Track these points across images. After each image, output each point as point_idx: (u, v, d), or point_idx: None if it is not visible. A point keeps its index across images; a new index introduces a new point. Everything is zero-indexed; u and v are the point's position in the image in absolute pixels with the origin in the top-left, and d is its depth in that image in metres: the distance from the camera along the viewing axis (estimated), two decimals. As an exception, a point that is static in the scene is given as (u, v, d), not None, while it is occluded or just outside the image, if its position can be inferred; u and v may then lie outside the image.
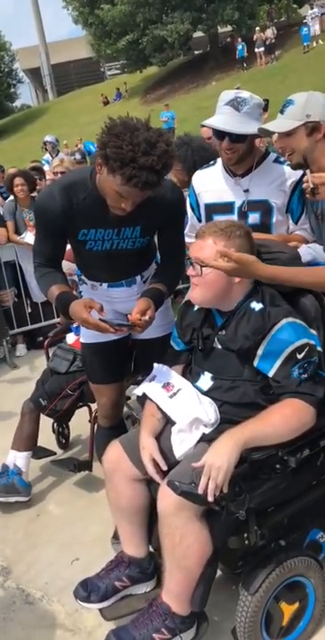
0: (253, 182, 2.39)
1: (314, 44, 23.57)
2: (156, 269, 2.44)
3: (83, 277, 2.52)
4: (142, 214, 2.11)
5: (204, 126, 2.37)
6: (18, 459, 3.10)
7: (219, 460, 1.67)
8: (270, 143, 5.68)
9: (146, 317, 2.11)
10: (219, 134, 2.34)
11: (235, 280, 1.92)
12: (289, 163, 2.27)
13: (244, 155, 2.36)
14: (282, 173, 2.39)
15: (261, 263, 1.91)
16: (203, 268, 1.90)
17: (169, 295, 2.36)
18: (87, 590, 2.05)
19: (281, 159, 2.43)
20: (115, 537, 2.31)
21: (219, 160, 2.53)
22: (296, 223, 2.41)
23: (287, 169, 2.36)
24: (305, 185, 2.01)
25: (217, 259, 1.86)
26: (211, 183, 2.52)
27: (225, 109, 2.31)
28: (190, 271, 1.96)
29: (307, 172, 2.05)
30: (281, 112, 2.19)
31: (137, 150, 1.81)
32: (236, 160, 2.37)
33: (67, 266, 3.16)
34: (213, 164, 2.59)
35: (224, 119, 2.30)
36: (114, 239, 2.21)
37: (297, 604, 1.97)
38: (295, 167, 2.22)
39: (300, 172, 2.26)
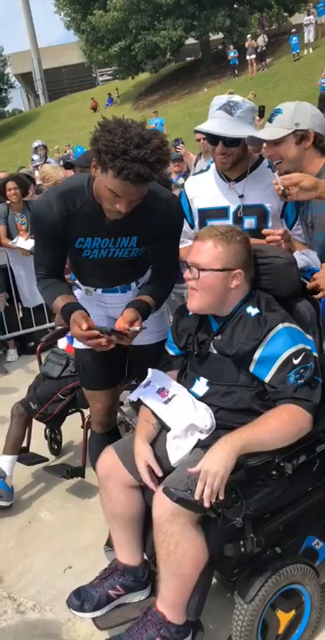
0: (248, 187, 2.38)
1: (305, 52, 23.73)
2: (149, 279, 2.41)
3: (77, 282, 2.51)
4: (139, 224, 2.11)
5: (198, 132, 2.35)
6: (2, 462, 3.07)
7: (216, 466, 1.66)
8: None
9: (137, 328, 2.08)
10: (213, 139, 2.32)
11: (232, 284, 1.90)
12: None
13: (238, 159, 2.34)
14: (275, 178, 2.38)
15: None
16: (201, 272, 1.89)
17: (156, 308, 2.32)
18: (80, 599, 2.01)
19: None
20: (109, 544, 2.29)
21: (212, 165, 2.51)
22: (290, 228, 2.40)
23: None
24: (275, 187, 2.02)
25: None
26: (205, 188, 2.49)
27: (218, 114, 2.30)
28: (187, 274, 1.94)
29: (275, 174, 2.08)
30: (270, 121, 2.22)
31: (129, 143, 1.78)
32: (230, 165, 2.35)
33: None
34: (206, 170, 2.56)
35: (217, 124, 2.28)
36: (111, 248, 2.19)
37: (293, 612, 1.96)
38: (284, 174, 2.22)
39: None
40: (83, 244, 2.16)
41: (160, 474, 1.88)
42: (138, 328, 2.07)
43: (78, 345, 2.54)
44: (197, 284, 1.91)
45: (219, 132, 2.26)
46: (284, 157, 2.18)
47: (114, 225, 2.07)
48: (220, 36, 28.32)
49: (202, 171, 2.62)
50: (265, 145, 2.29)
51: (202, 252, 1.92)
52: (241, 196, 2.38)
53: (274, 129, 2.18)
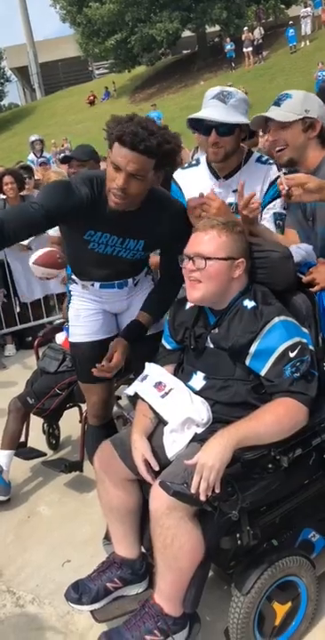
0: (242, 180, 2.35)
1: (302, 45, 23.64)
2: (153, 289, 2.46)
3: (73, 277, 2.51)
4: (148, 230, 2.18)
5: (191, 119, 2.30)
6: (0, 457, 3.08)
7: (212, 460, 1.67)
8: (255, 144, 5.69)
9: (111, 364, 2.28)
10: (206, 129, 2.27)
11: (235, 274, 1.91)
12: (274, 160, 2.27)
13: (231, 151, 2.30)
14: (264, 172, 2.37)
15: None
16: (207, 261, 1.88)
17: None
18: (78, 592, 2.03)
19: (263, 159, 2.41)
20: (107, 538, 2.30)
21: (203, 160, 2.46)
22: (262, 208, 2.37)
23: (266, 167, 2.35)
24: (280, 187, 2.00)
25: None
26: (195, 183, 2.39)
27: (211, 102, 2.27)
28: (189, 266, 1.92)
29: (281, 174, 2.06)
30: (277, 105, 2.17)
31: (133, 119, 1.98)
32: (223, 156, 2.30)
33: (45, 271, 3.15)
34: (196, 165, 2.50)
35: (210, 111, 2.25)
36: (117, 247, 2.23)
37: (289, 604, 1.97)
38: (285, 164, 2.21)
39: (276, 173, 2.26)
40: (92, 237, 2.18)
41: (156, 468, 1.89)
42: (112, 364, 2.28)
43: (74, 339, 2.56)
44: (201, 275, 1.89)
45: (213, 117, 2.22)
46: (289, 143, 2.15)
47: (125, 225, 2.12)
48: (217, 28, 28.17)
49: (191, 165, 2.54)
50: (262, 140, 2.28)
51: (205, 242, 1.91)
52: (234, 191, 2.37)
53: (283, 112, 2.14)
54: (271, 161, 2.41)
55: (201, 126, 2.33)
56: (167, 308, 2.32)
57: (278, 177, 2.13)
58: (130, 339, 2.36)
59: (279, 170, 2.28)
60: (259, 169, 2.37)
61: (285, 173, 2.06)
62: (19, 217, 2.05)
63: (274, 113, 2.16)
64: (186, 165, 2.54)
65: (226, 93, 2.26)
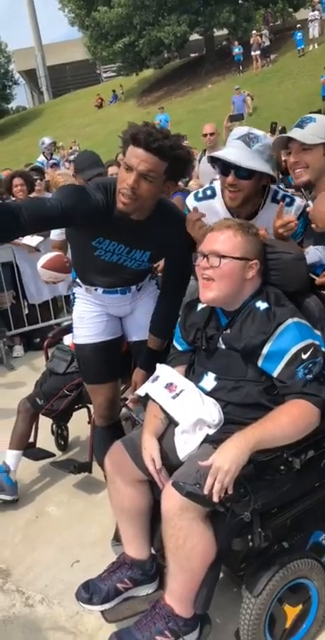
0: (259, 225, 2.15)
1: (311, 48, 23.62)
2: (157, 307, 2.47)
3: (78, 280, 2.53)
4: (155, 242, 2.21)
5: (213, 158, 2.24)
6: (8, 457, 3.09)
7: (228, 463, 1.66)
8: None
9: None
10: (225, 169, 2.16)
11: (248, 275, 1.91)
12: (294, 181, 2.27)
13: (249, 197, 2.18)
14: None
15: None
16: (222, 259, 1.88)
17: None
18: (89, 592, 2.03)
19: (278, 197, 2.26)
20: (116, 539, 2.30)
21: (218, 191, 2.30)
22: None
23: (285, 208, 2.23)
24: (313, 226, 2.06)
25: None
26: (210, 219, 2.20)
27: (235, 143, 2.17)
28: (204, 264, 1.92)
29: (309, 202, 2.09)
30: (300, 127, 2.20)
31: (148, 124, 2.06)
32: (240, 202, 2.18)
33: (53, 275, 3.19)
34: (211, 196, 2.33)
35: (232, 152, 2.14)
36: (123, 256, 2.25)
37: (300, 606, 1.96)
38: (302, 185, 2.23)
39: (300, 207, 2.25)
40: (100, 244, 2.19)
41: (158, 466, 1.89)
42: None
43: (78, 340, 2.57)
44: (215, 273, 1.89)
45: (233, 159, 2.11)
46: (310, 165, 2.17)
47: (133, 235, 2.15)
48: (225, 31, 28.21)
49: (205, 195, 2.35)
50: (284, 153, 2.30)
51: (221, 240, 1.92)
52: None
53: (308, 135, 2.16)
54: (288, 195, 2.31)
55: (220, 165, 2.20)
56: (174, 323, 2.30)
57: (305, 207, 2.15)
58: (147, 368, 2.39)
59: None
60: (276, 209, 2.16)
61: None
62: (36, 208, 2.03)
63: (298, 134, 2.18)
64: (199, 195, 2.37)
65: (253, 136, 2.15)
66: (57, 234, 3.74)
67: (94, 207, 2.06)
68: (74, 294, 2.60)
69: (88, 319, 2.53)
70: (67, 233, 2.46)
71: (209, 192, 2.34)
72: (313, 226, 2.09)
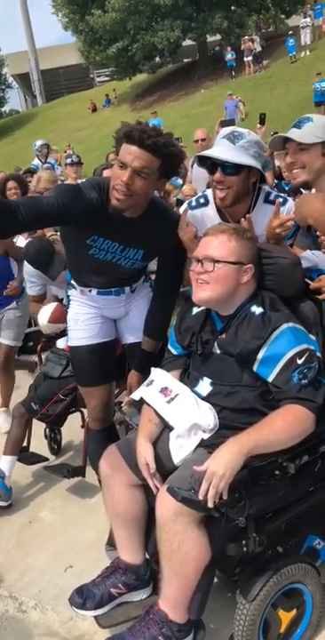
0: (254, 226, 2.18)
1: (302, 54, 23.76)
2: (151, 308, 2.48)
3: (72, 282, 2.54)
4: (148, 241, 2.22)
5: (201, 158, 2.26)
6: (2, 462, 3.07)
7: (223, 469, 1.66)
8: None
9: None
10: (212, 168, 2.19)
11: (243, 279, 1.92)
12: (289, 183, 2.27)
13: (238, 194, 2.20)
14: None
15: None
16: (216, 264, 1.89)
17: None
18: (82, 597, 2.02)
19: (271, 197, 2.29)
20: (110, 543, 2.29)
21: (211, 199, 2.33)
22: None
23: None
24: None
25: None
26: (204, 227, 2.22)
27: (220, 142, 2.23)
28: (198, 269, 1.93)
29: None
30: (298, 127, 2.20)
31: (141, 123, 2.09)
32: (231, 200, 2.19)
33: (56, 327, 3.24)
34: (204, 204, 2.36)
35: (217, 150, 2.21)
36: (117, 254, 2.25)
37: (294, 611, 1.96)
38: (299, 185, 2.23)
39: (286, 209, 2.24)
40: (94, 242, 2.20)
41: (152, 471, 1.89)
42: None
43: (73, 342, 2.58)
44: (209, 277, 1.90)
45: (215, 154, 2.16)
46: (307, 165, 2.16)
47: (127, 233, 2.16)
48: (218, 37, 28.33)
49: (199, 204, 2.37)
50: (282, 156, 2.29)
51: (215, 245, 1.93)
52: None
53: (304, 134, 2.16)
54: (281, 196, 2.31)
55: (207, 164, 2.23)
56: (167, 323, 2.35)
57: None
58: (142, 370, 2.39)
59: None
60: (269, 211, 2.21)
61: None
62: (33, 205, 2.05)
63: (295, 134, 2.18)
64: (193, 204, 2.39)
65: (237, 134, 2.19)
66: (35, 290, 3.75)
67: (89, 204, 2.08)
68: (68, 297, 2.60)
69: (83, 321, 2.53)
70: (61, 234, 2.47)
71: (202, 200, 2.38)
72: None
